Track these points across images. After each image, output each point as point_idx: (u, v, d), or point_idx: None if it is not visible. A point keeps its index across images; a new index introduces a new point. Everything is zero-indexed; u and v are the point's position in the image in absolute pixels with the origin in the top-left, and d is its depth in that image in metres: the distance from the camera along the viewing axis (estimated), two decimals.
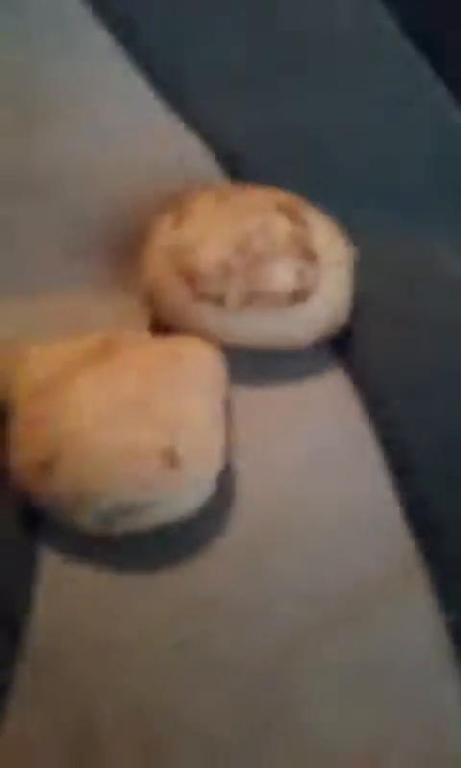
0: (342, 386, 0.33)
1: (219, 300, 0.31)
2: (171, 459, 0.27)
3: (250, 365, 0.33)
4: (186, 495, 0.28)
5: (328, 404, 0.32)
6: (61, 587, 0.27)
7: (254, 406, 0.32)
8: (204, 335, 0.32)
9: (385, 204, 0.37)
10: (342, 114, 0.39)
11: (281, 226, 0.32)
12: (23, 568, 0.27)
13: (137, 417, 0.27)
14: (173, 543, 0.28)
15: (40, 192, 0.37)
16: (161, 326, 0.33)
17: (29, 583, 0.27)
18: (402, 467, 0.31)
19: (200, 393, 0.29)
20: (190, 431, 0.28)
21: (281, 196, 0.33)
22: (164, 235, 0.33)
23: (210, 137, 0.37)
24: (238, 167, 0.37)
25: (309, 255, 0.32)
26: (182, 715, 0.25)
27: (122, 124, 0.38)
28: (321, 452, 0.31)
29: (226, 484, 0.30)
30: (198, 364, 0.29)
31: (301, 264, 0.31)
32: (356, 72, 0.39)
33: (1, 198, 0.36)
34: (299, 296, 0.32)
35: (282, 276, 0.31)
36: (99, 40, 0.39)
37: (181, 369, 0.29)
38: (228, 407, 0.30)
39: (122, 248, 0.36)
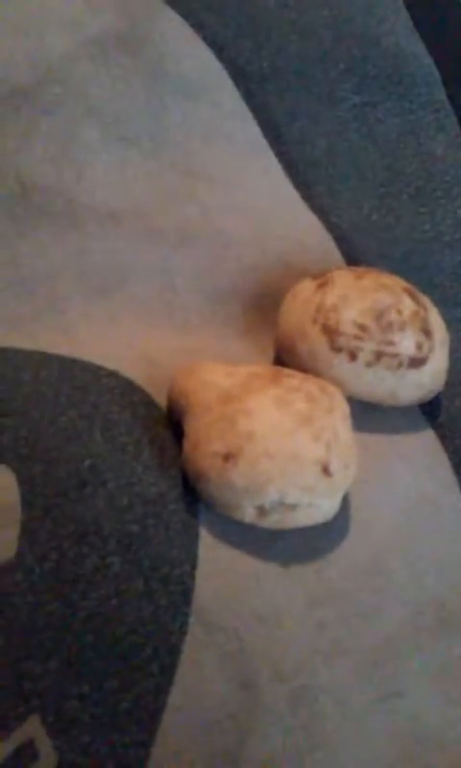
0: (432, 442, 0.39)
1: (352, 356, 0.38)
2: (325, 469, 0.33)
3: (359, 413, 0.39)
4: (332, 502, 0.33)
5: (423, 456, 0.39)
6: (216, 561, 0.32)
7: (360, 448, 0.38)
8: (331, 382, 0.38)
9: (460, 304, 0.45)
10: (432, 226, 0.47)
11: (409, 304, 0.39)
12: (190, 539, 0.32)
13: (304, 430, 0.33)
14: (304, 544, 0.34)
15: (187, 246, 0.43)
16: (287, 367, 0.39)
17: (195, 553, 0.32)
18: None
19: (345, 421, 0.35)
20: (339, 449, 0.34)
21: (404, 282, 0.40)
22: (308, 295, 0.40)
23: (330, 224, 0.45)
24: (351, 251, 0.45)
25: (427, 332, 0.39)
26: (319, 675, 0.30)
27: (260, 206, 0.45)
28: (419, 493, 0.37)
29: (345, 505, 0.35)
30: (342, 399, 0.35)
31: (420, 337, 0.39)
32: (444, 191, 0.48)
33: (156, 245, 0.42)
34: (414, 363, 0.38)
35: (407, 344, 0.38)
36: (251, 134, 0.47)
37: (333, 399, 0.35)
38: None
39: (254, 302, 0.42)
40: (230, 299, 0.42)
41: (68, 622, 0.29)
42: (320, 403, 0.34)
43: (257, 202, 0.45)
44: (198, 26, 0.49)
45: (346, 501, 0.36)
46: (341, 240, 0.45)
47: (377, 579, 0.33)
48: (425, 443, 0.39)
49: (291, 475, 0.32)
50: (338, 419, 0.34)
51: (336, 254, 0.45)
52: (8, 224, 0.42)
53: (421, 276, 0.45)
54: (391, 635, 0.32)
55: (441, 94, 0.51)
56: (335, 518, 0.34)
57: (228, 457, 0.32)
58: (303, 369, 0.39)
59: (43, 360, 0.37)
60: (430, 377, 0.39)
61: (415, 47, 0.52)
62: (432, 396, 0.40)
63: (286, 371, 0.36)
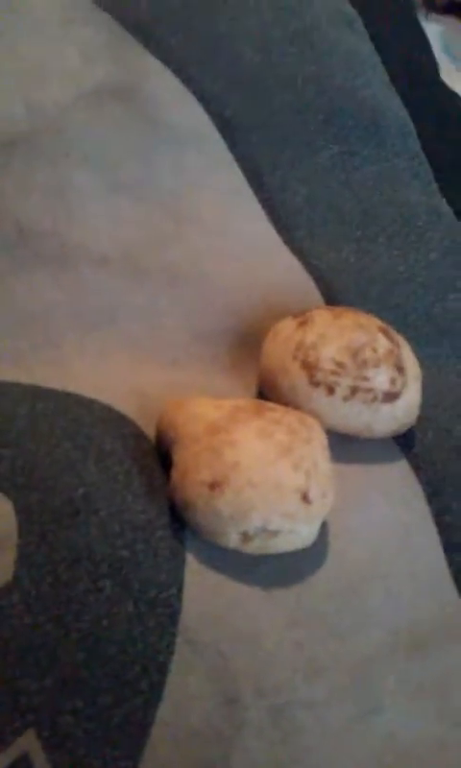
0: (406, 472, 0.42)
1: (330, 390, 0.40)
2: (305, 496, 0.35)
3: (337, 444, 0.41)
4: (311, 529, 0.35)
5: (398, 486, 0.41)
6: (201, 585, 0.34)
7: (338, 478, 0.40)
8: (310, 414, 0.40)
9: (432, 343, 0.48)
10: (407, 268, 0.50)
11: (383, 342, 0.41)
12: (177, 564, 0.34)
13: (284, 459, 0.35)
14: (284, 568, 0.36)
15: (175, 287, 0.45)
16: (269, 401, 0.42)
17: (181, 577, 0.33)
18: (451, 545, 0.39)
19: (323, 451, 0.37)
20: (318, 478, 0.36)
21: (379, 321, 0.43)
22: (289, 334, 0.42)
23: (310, 266, 0.48)
24: (329, 291, 0.47)
25: (400, 368, 0.41)
26: (299, 692, 0.32)
27: (244, 249, 0.48)
28: (394, 521, 0.39)
29: (323, 532, 0.38)
30: (320, 431, 0.38)
31: (394, 373, 0.41)
32: (418, 235, 0.51)
33: (146, 287, 0.44)
34: (388, 397, 0.41)
35: (381, 379, 0.41)
36: (236, 182, 0.49)
37: (312, 431, 0.37)
38: None
39: (238, 340, 0.45)
40: (216, 337, 0.45)
41: (62, 641, 0.31)
42: (300, 434, 0.36)
43: (242, 245, 0.48)
44: (188, 80, 0.52)
45: (324, 528, 0.38)
46: (320, 281, 0.48)
47: (354, 602, 0.35)
48: (400, 473, 0.41)
49: (273, 503, 0.34)
50: (317, 449, 0.37)
51: (316, 295, 0.47)
52: (5, 265, 0.44)
53: (395, 315, 0.48)
54: (368, 655, 0.34)
55: (415, 144, 0.54)
56: (314, 545, 0.36)
57: (214, 486, 0.34)
58: (285, 402, 0.41)
59: (39, 394, 0.39)
60: (403, 411, 0.42)
61: (390, 101, 0.55)
62: (406, 428, 0.42)
63: (269, 404, 0.38)
